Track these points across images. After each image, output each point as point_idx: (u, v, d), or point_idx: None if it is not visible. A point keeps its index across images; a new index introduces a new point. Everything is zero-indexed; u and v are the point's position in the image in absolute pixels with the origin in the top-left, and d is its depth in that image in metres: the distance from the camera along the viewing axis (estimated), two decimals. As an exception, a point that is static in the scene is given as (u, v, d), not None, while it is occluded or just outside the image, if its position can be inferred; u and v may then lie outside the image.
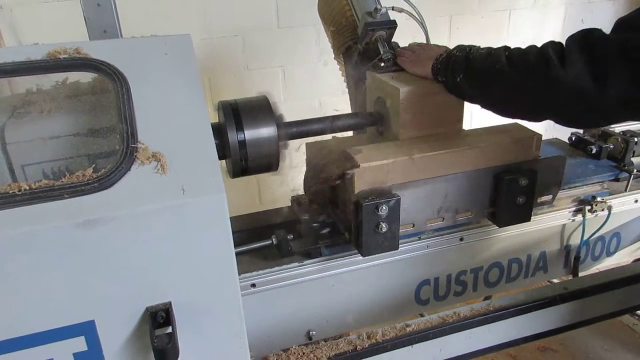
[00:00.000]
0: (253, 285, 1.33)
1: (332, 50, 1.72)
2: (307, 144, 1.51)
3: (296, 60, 2.76)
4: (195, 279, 0.92)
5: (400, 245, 1.33)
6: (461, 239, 1.50)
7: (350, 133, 1.63)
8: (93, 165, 0.89)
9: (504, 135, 1.39)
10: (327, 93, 2.82)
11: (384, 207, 1.24)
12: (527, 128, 1.43)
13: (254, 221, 1.57)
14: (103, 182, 0.86)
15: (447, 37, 3.03)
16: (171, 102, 1.00)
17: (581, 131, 1.94)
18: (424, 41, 1.61)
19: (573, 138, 1.95)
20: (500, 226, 1.46)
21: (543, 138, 1.42)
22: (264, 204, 2.95)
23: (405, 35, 1.58)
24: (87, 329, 0.88)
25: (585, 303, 1.56)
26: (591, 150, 1.85)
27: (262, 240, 1.41)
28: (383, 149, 1.32)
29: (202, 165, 0.92)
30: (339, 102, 2.27)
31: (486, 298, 1.77)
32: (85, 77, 1.16)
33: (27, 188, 0.84)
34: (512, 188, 1.36)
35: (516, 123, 1.45)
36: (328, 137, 1.49)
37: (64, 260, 0.82)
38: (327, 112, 1.47)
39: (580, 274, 1.74)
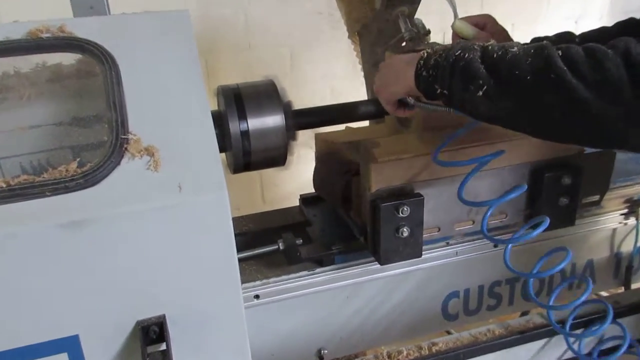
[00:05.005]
0: (257, 296, 1.34)
1: (345, 27, 1.72)
2: (317, 135, 1.51)
3: (305, 39, 2.76)
4: (192, 289, 0.93)
5: (424, 252, 1.34)
6: (495, 245, 1.50)
7: (366, 123, 1.64)
8: (78, 159, 0.90)
9: (544, 126, 1.39)
10: (340, 77, 2.82)
11: (405, 209, 1.24)
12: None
13: (257, 223, 1.58)
14: (89, 178, 0.87)
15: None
16: (166, 88, 1.01)
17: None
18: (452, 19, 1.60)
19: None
20: (539, 231, 1.46)
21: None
22: (268, 203, 2.97)
23: (431, 12, 1.58)
24: (70, 345, 0.89)
25: (640, 320, 1.56)
26: (645, 143, 1.84)
27: (268, 245, 1.41)
28: (404, 142, 1.32)
29: (200, 159, 0.93)
30: (353, 88, 2.27)
31: (523, 313, 1.76)
32: (68, 59, 1.17)
33: (4, 185, 0.85)
34: (554, 187, 1.36)
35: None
36: (341, 127, 1.50)
37: (44, 267, 0.84)
38: (340, 98, 1.47)
39: (633, 286, 1.74)
